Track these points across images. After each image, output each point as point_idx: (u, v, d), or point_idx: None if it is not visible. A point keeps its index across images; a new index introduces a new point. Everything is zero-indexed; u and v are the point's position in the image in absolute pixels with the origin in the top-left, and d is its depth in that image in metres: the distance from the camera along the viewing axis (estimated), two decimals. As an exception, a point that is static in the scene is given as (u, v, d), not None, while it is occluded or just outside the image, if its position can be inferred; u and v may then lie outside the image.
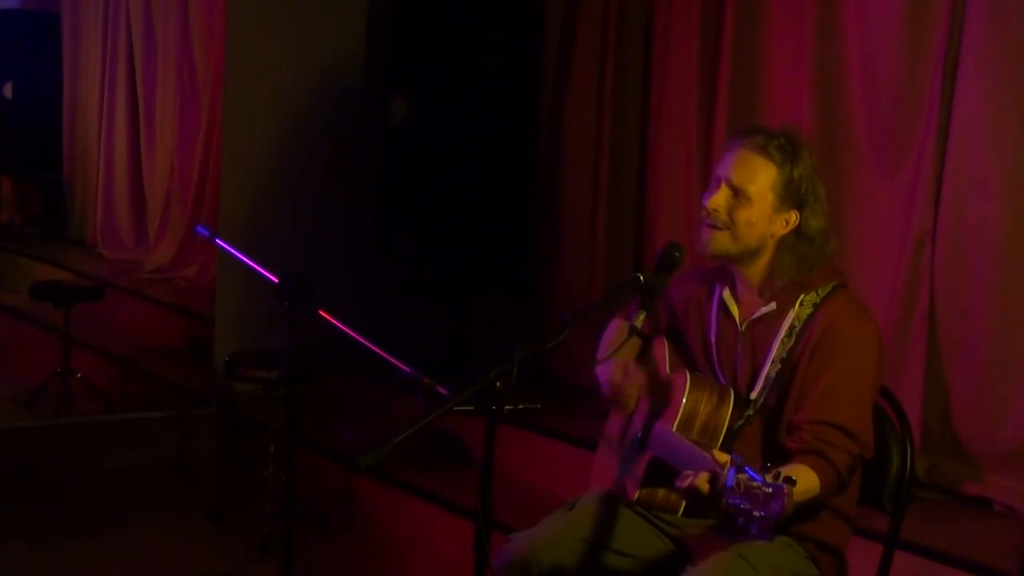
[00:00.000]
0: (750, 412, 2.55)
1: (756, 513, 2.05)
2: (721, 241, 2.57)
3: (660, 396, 2.66)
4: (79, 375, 6.02)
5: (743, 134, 2.61)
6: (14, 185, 9.93)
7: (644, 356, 2.80)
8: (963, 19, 3.86)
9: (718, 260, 2.62)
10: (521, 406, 3.16)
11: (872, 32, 4.11)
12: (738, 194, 2.54)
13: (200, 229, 4.14)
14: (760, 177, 2.53)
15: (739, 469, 2.09)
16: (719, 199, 2.56)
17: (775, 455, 2.44)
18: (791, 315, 2.54)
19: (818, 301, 2.54)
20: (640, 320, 2.50)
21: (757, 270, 2.60)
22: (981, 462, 3.91)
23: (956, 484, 3.91)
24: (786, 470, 2.13)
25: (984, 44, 3.80)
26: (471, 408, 2.32)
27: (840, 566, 2.57)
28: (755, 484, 2.06)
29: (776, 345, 2.54)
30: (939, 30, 3.92)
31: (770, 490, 2.04)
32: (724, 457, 2.23)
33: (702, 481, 2.25)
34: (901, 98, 4.04)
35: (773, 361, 2.54)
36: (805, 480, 2.31)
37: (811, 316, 2.53)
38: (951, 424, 3.99)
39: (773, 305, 2.58)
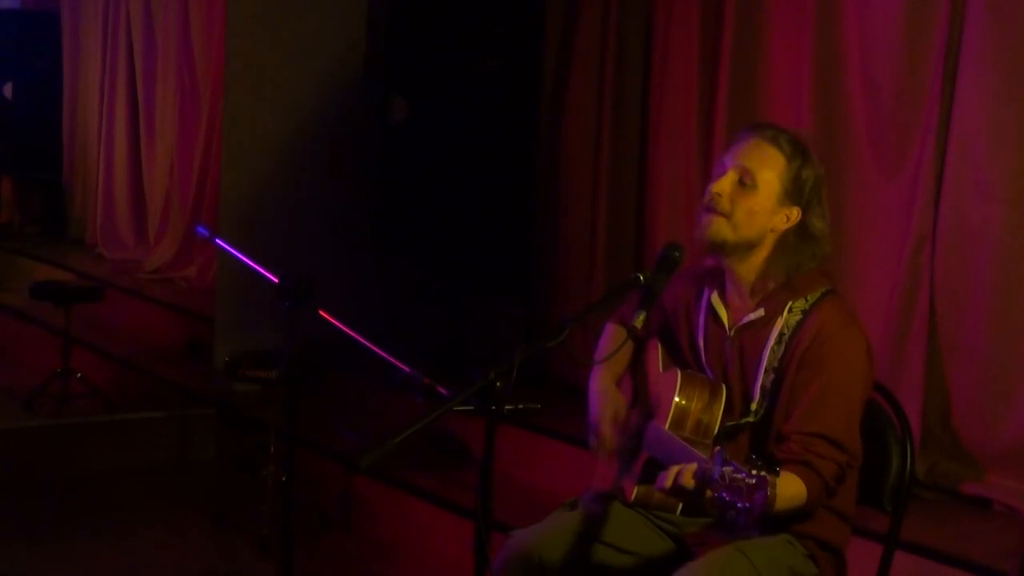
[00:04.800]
0: (750, 419, 2.55)
1: (740, 505, 2.05)
2: (721, 227, 2.55)
3: (653, 396, 2.66)
4: (79, 375, 6.01)
5: (754, 127, 2.62)
6: (14, 185, 9.94)
7: (637, 360, 2.81)
8: (963, 19, 3.86)
9: (714, 249, 2.59)
10: (521, 406, 3.15)
11: (872, 32, 4.11)
12: (745, 180, 2.53)
13: (200, 229, 4.14)
14: (769, 165, 2.53)
15: (724, 462, 2.10)
16: (725, 184, 2.55)
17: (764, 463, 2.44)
18: (780, 322, 2.53)
19: (807, 307, 2.53)
20: (640, 320, 2.49)
21: (751, 267, 2.58)
22: (981, 462, 3.91)
23: (956, 484, 3.90)
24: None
25: (984, 44, 3.80)
26: (471, 408, 2.31)
27: (840, 565, 2.57)
28: (739, 476, 2.07)
29: (767, 354, 2.53)
30: (939, 30, 3.91)
31: (753, 481, 2.05)
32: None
33: (687, 477, 2.24)
34: (901, 98, 4.04)
35: (766, 371, 2.53)
36: (792, 488, 2.32)
37: (800, 323, 2.52)
38: (951, 424, 3.98)
39: (761, 311, 2.56)
